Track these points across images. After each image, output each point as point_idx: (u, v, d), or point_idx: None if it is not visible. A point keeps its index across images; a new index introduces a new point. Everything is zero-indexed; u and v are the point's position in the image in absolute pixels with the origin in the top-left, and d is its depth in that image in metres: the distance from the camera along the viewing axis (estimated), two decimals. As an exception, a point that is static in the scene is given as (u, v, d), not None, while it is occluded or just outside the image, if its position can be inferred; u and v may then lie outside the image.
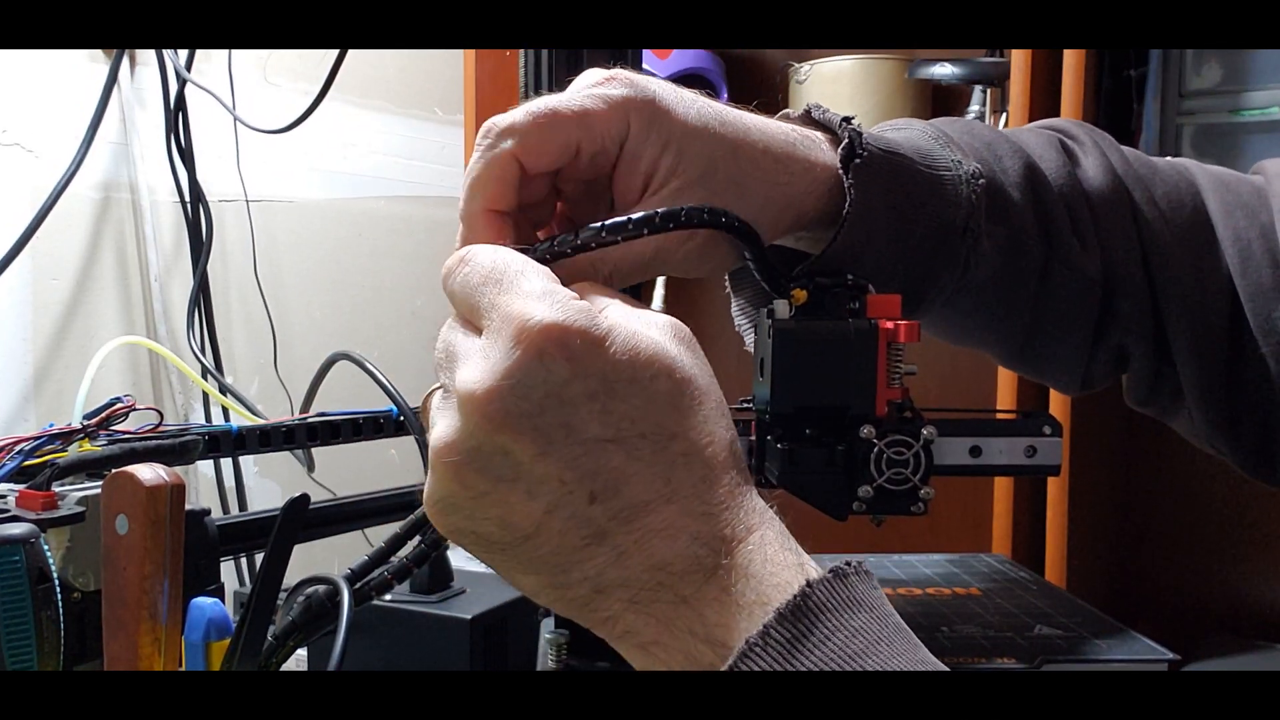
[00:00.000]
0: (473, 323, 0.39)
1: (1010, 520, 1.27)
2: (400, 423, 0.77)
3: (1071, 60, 1.23)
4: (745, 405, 0.53)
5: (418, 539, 0.50)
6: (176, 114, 1.35)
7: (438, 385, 0.40)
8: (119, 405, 0.63)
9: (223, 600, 0.55)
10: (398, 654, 0.68)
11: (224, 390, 1.29)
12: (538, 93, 0.63)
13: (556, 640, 0.61)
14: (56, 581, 0.51)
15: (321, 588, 0.51)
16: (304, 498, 0.53)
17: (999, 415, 0.57)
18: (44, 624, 0.51)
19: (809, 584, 0.35)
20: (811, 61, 1.60)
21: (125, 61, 1.31)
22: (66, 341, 1.27)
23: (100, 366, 0.67)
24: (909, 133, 0.58)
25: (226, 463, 1.40)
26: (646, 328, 0.38)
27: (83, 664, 0.54)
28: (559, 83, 0.60)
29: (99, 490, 0.52)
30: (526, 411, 0.36)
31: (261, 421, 0.72)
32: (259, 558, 0.55)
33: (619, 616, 0.37)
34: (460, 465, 0.37)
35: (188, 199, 1.38)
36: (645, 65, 1.62)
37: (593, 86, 0.46)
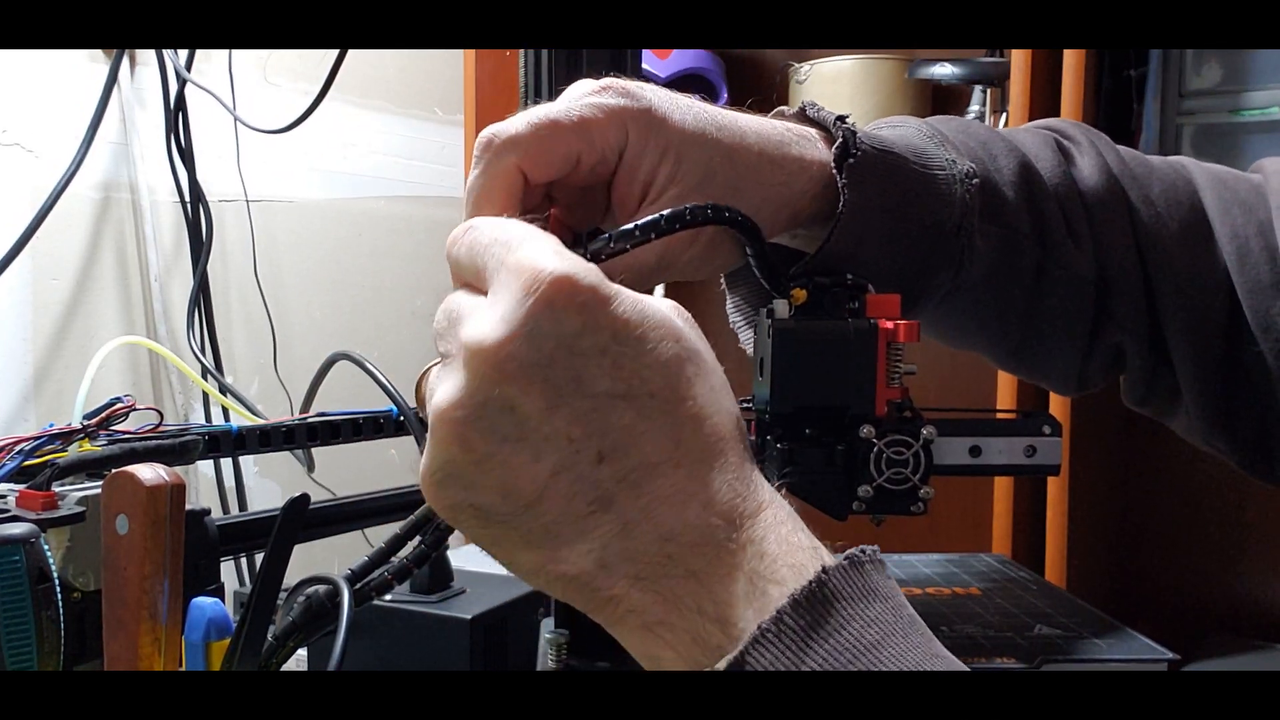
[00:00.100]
0: (478, 286, 0.38)
1: (1010, 520, 1.27)
2: (400, 423, 0.77)
3: (1071, 60, 1.23)
4: (745, 405, 0.53)
5: (418, 539, 0.50)
6: (176, 114, 1.35)
7: (434, 362, 0.39)
8: (119, 405, 0.63)
9: (223, 600, 0.55)
10: (398, 654, 0.68)
11: (224, 390, 1.29)
12: (538, 93, 0.63)
13: (556, 640, 0.61)
14: (56, 581, 0.51)
15: (321, 588, 0.51)
16: (304, 498, 0.53)
17: (999, 415, 0.57)
18: (44, 624, 0.51)
19: (825, 570, 0.35)
20: (811, 61, 1.60)
21: (125, 61, 1.31)
22: (66, 341, 1.27)
23: (100, 366, 0.67)
24: (904, 130, 0.58)
25: (226, 463, 1.40)
26: (652, 300, 0.38)
27: (83, 664, 0.54)
28: (559, 83, 0.60)
29: (99, 490, 0.52)
30: (537, 362, 0.35)
31: (261, 421, 0.72)
32: (259, 558, 0.55)
33: (623, 595, 0.36)
34: (464, 424, 0.35)
35: (188, 199, 1.38)
36: (645, 65, 1.63)
37: (589, 95, 0.46)
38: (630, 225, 0.42)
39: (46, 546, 0.51)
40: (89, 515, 0.54)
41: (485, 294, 0.37)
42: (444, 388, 0.36)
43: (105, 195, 1.31)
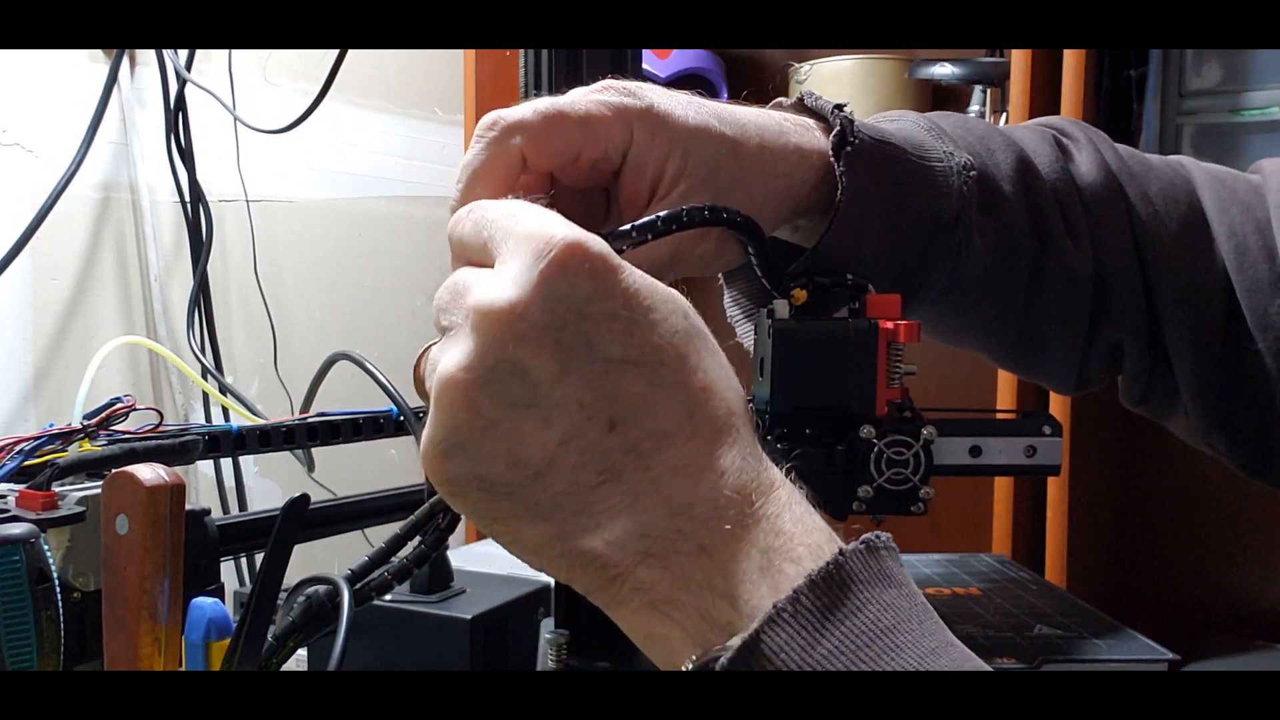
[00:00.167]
0: (484, 261, 0.37)
1: (1010, 520, 1.27)
2: (400, 423, 0.77)
3: (1071, 60, 1.23)
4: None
5: (418, 539, 0.50)
6: (176, 114, 1.35)
7: (432, 342, 0.38)
8: (119, 405, 0.63)
9: (223, 600, 0.55)
10: (398, 654, 0.68)
11: (224, 390, 1.29)
12: (538, 92, 0.63)
13: (556, 640, 0.61)
14: (56, 581, 0.51)
15: (321, 588, 0.51)
16: (304, 498, 0.53)
17: (999, 415, 0.57)
18: (44, 624, 0.50)
19: (842, 553, 0.34)
20: (811, 61, 1.60)
21: (125, 61, 1.31)
22: (66, 341, 1.27)
23: (100, 366, 0.67)
24: (901, 124, 0.58)
25: (226, 463, 1.40)
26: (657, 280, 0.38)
27: (83, 664, 0.54)
28: (559, 83, 0.60)
29: (99, 490, 0.52)
30: (550, 324, 0.34)
31: (261, 421, 0.72)
32: (259, 558, 0.55)
33: (629, 572, 0.35)
34: (472, 388, 0.34)
35: (188, 199, 1.38)
36: (645, 65, 1.63)
37: (594, 93, 0.46)
38: (627, 226, 0.43)
39: (46, 546, 0.51)
40: (89, 515, 0.54)
41: (492, 267, 0.36)
42: (451, 354, 0.35)
43: (105, 195, 1.31)
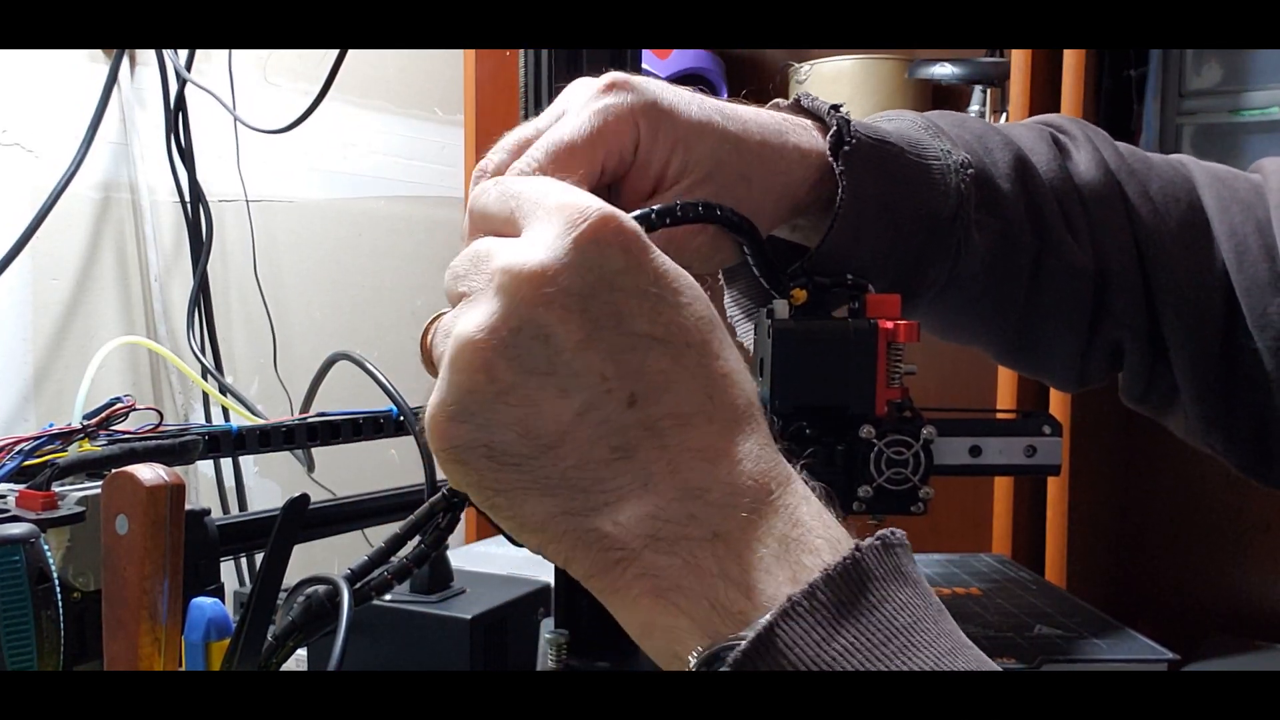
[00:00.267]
0: (508, 231, 0.37)
1: (1010, 520, 1.27)
2: (400, 423, 0.77)
3: (1071, 60, 1.23)
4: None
5: (418, 539, 0.50)
6: (176, 114, 1.35)
7: (443, 311, 0.37)
8: (119, 405, 0.63)
9: (223, 600, 0.55)
10: (398, 654, 0.68)
11: (224, 390, 1.29)
12: (538, 93, 0.63)
13: (556, 640, 0.61)
14: (56, 581, 0.51)
15: (321, 588, 0.51)
16: (304, 498, 0.53)
17: (999, 415, 0.57)
18: (44, 624, 0.50)
19: (859, 548, 0.33)
20: (811, 61, 1.60)
21: (125, 61, 1.31)
22: (66, 341, 1.27)
23: (100, 366, 0.67)
24: (899, 123, 0.58)
25: (226, 463, 1.40)
26: None
27: (83, 664, 0.54)
28: (559, 83, 0.60)
29: (99, 490, 0.52)
30: (579, 291, 0.33)
31: (261, 421, 0.72)
32: (259, 558, 0.55)
33: (635, 556, 0.34)
34: (492, 350, 0.33)
35: (188, 199, 1.38)
36: (645, 65, 1.62)
37: (595, 99, 0.46)
38: None
39: (46, 546, 0.51)
40: (89, 515, 0.54)
41: (517, 237, 0.36)
42: (470, 315, 0.34)
43: (105, 195, 1.31)
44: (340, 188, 1.63)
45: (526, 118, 0.56)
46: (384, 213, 1.71)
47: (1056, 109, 1.23)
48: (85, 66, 1.28)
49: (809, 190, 0.53)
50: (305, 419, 0.74)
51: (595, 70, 0.49)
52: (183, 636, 0.51)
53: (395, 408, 0.76)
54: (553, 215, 0.35)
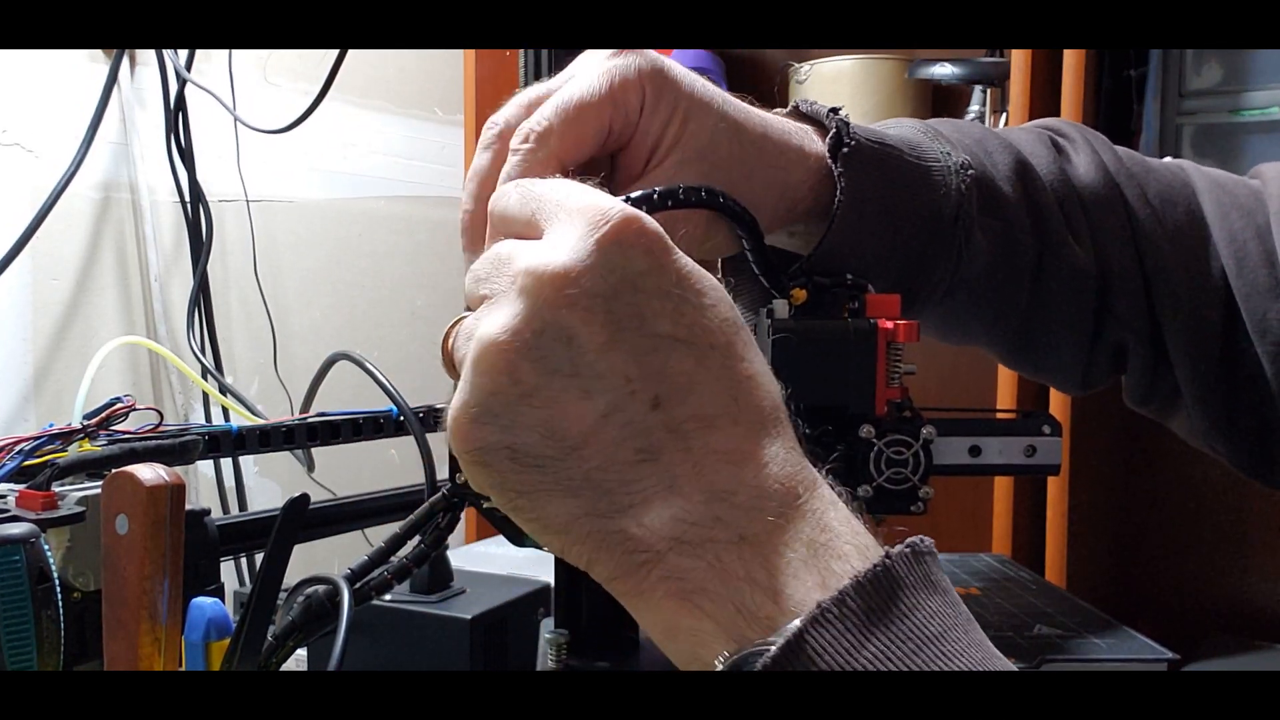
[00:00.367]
0: (529, 234, 0.37)
1: (1010, 520, 1.27)
2: (400, 423, 0.77)
3: (1071, 60, 1.23)
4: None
5: (417, 539, 0.50)
6: (176, 114, 1.35)
7: (463, 314, 0.37)
8: (119, 405, 0.63)
9: (223, 600, 0.55)
10: (398, 654, 0.68)
11: (224, 390, 1.29)
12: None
13: (556, 640, 0.61)
14: (56, 581, 0.51)
15: (321, 588, 0.51)
16: (304, 498, 0.53)
17: (999, 415, 0.57)
18: (44, 624, 0.50)
19: (889, 555, 0.33)
20: (811, 61, 1.60)
21: (125, 61, 1.31)
22: (66, 341, 1.27)
23: (100, 366, 0.67)
24: (898, 129, 0.58)
25: (226, 463, 1.40)
26: None
27: (83, 664, 0.54)
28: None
29: (99, 490, 0.52)
30: (602, 293, 0.33)
31: (261, 421, 0.72)
32: (259, 558, 0.55)
33: (660, 558, 0.33)
34: (515, 352, 0.33)
35: (188, 199, 1.38)
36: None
37: (605, 61, 0.46)
38: (621, 198, 0.42)
39: (46, 546, 0.51)
40: (89, 515, 0.54)
41: (538, 240, 0.36)
42: (493, 317, 0.34)
43: (105, 195, 1.31)
44: (340, 188, 1.63)
45: (526, 117, 0.56)
46: (384, 213, 1.71)
47: (1057, 109, 1.23)
48: (85, 66, 1.28)
49: (808, 192, 0.53)
50: (305, 419, 0.74)
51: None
52: (183, 636, 0.51)
53: (395, 408, 0.76)
54: (575, 217, 0.34)
